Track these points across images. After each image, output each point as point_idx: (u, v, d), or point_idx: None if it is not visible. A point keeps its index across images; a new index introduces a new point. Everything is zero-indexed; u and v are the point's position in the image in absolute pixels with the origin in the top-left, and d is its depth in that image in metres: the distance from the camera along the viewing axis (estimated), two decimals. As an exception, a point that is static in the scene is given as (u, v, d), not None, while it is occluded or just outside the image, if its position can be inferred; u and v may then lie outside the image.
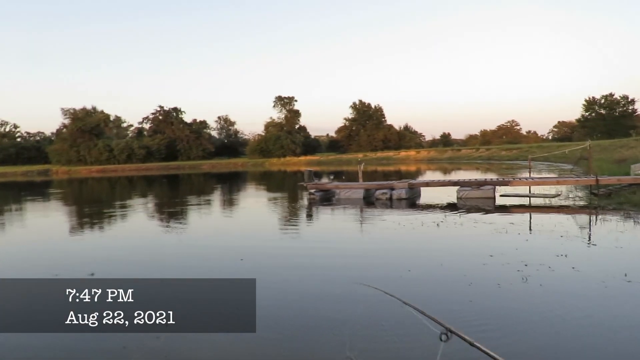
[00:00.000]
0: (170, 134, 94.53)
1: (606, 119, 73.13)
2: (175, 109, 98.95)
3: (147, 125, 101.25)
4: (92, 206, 19.74)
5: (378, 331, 4.26)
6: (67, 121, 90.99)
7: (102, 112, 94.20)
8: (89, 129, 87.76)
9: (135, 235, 11.00)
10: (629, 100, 73.55)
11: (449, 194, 15.65)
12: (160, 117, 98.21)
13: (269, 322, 4.62)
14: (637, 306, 4.67)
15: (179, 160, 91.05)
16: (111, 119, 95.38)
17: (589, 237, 8.31)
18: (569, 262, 6.38)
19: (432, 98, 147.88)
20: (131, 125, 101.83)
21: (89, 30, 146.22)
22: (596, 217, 10.50)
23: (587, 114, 76.59)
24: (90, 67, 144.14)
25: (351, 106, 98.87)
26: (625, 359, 3.61)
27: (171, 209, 16.90)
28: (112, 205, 19.35)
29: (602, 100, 74.90)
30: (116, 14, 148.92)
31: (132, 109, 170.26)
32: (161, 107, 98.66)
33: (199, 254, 8.28)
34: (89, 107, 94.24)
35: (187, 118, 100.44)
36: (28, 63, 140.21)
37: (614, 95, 74.50)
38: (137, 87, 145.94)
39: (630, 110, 73.86)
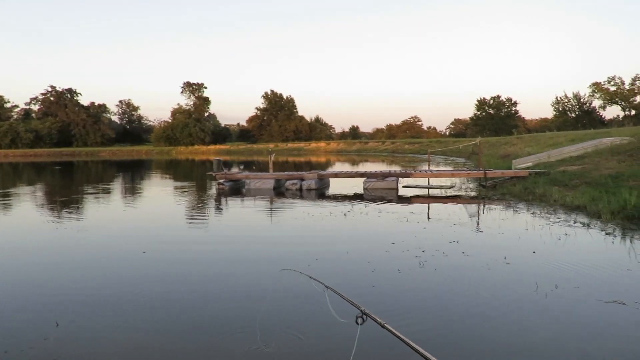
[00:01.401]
0: (64, 117, 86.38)
1: (494, 118, 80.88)
2: (70, 90, 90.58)
3: (36, 107, 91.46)
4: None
5: (292, 318, 4.35)
6: None
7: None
8: (-38, 108, 76.96)
9: (20, 228, 9.94)
10: (512, 102, 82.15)
11: (356, 185, 16.30)
12: (52, 99, 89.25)
13: (169, 312, 4.50)
14: (513, 283, 5.29)
15: (74, 147, 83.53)
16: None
17: (477, 225, 9.19)
18: (460, 247, 7.02)
19: (342, 91, 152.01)
20: (16, 106, 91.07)
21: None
22: (484, 206, 11.64)
23: (478, 112, 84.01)
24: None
25: (263, 96, 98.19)
26: (502, 327, 4.09)
27: (63, 198, 15.49)
28: (-8, 195, 17.22)
29: (491, 101, 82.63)
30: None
31: (18, 89, 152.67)
32: (53, 87, 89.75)
33: (92, 248, 7.73)
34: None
35: (84, 101, 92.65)
36: None
37: (500, 97, 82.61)
38: (24, 65, 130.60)
39: (513, 111, 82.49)
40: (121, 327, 4.28)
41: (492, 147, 37.65)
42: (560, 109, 70.70)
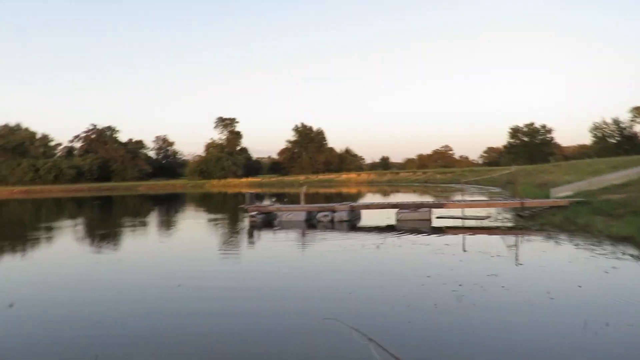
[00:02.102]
0: (104, 153, 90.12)
1: (528, 145, 79.16)
2: (110, 128, 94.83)
3: (78, 145, 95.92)
4: (14, 230, 18.19)
5: None
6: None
7: (26, 129, 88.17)
8: (11, 147, 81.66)
9: (60, 261, 10.25)
10: (547, 129, 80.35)
11: (388, 216, 16.10)
12: (93, 136, 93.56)
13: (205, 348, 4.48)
14: (558, 320, 5.01)
15: (112, 182, 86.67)
16: (37, 137, 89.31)
17: (516, 257, 8.85)
18: (499, 281, 6.75)
19: (371, 121, 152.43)
20: (60, 144, 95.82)
21: (11, 42, 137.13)
22: (522, 238, 11.22)
23: (512, 140, 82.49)
24: (14, 81, 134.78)
25: (293, 129, 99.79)
26: (549, 373, 3.86)
27: (102, 231, 15.97)
28: (36, 228, 17.95)
29: (525, 129, 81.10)
30: (42, 24, 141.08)
31: (61, 128, 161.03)
32: (94, 125, 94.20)
33: (129, 281, 7.86)
34: (12, 124, 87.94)
35: (123, 137, 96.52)
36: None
37: (534, 124, 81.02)
38: (67, 104, 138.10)
39: (548, 138, 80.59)
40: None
41: (528, 175, 36.64)
42: (600, 134, 68.52)
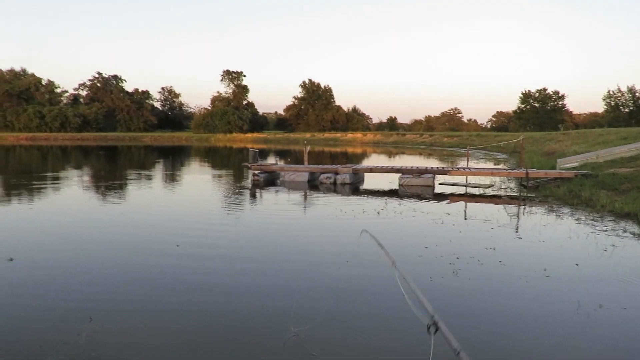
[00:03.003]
0: (109, 103, 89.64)
1: (539, 111, 77.80)
2: (116, 77, 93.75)
3: (83, 93, 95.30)
4: (20, 177, 18.34)
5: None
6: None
7: (32, 75, 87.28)
8: (17, 92, 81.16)
9: (66, 213, 10.34)
10: (560, 95, 78.61)
11: (391, 181, 16.04)
12: (99, 85, 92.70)
13: (212, 299, 4.53)
14: (552, 299, 5.02)
15: (118, 132, 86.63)
16: (43, 83, 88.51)
17: (516, 230, 8.82)
18: (497, 255, 6.74)
19: (380, 81, 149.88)
20: (66, 92, 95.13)
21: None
22: (524, 209, 11.17)
23: (522, 106, 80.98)
24: (21, 24, 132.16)
25: (301, 85, 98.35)
26: (538, 348, 3.88)
27: (108, 184, 16.06)
28: (43, 177, 18.07)
29: (537, 94, 79.41)
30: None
31: (67, 75, 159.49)
32: (100, 73, 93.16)
33: (129, 239, 7.93)
34: (17, 68, 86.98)
35: (128, 87, 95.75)
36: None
37: (547, 90, 79.22)
38: (74, 51, 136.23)
39: (560, 105, 79.01)
40: (153, 322, 4.36)
41: (536, 143, 36.22)
42: (613, 103, 67.08)
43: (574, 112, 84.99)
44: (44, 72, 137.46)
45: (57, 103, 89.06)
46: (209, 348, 3.93)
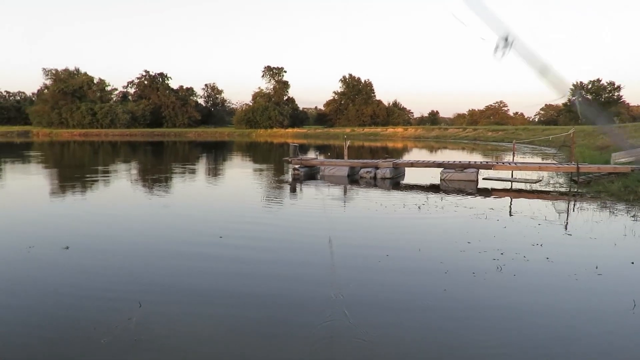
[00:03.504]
0: (156, 100, 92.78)
1: (592, 104, 73.86)
2: (162, 75, 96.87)
3: (131, 90, 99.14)
4: (74, 171, 19.40)
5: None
6: (48, 82, 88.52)
7: (85, 74, 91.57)
8: (71, 91, 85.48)
9: (116, 205, 10.83)
10: (615, 86, 74.31)
11: (433, 175, 15.74)
12: (146, 82, 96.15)
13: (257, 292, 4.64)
14: (604, 301, 4.78)
15: (164, 127, 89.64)
16: (95, 81, 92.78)
17: (565, 226, 8.45)
18: (544, 252, 6.49)
19: (422, 74, 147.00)
20: (115, 89, 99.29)
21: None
22: (574, 205, 10.68)
23: (573, 98, 77.19)
24: (74, 25, 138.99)
25: (341, 80, 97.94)
26: (589, 349, 3.71)
27: (155, 177, 16.69)
28: (95, 170, 19.03)
29: (589, 86, 75.48)
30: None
31: (116, 73, 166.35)
32: (147, 71, 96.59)
33: (175, 230, 8.21)
34: (71, 68, 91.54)
35: (174, 84, 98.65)
36: (7, 17, 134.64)
37: (601, 80, 75.12)
38: (122, 50, 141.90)
39: (616, 97, 74.72)
40: (198, 308, 4.51)
41: (588, 136, 34.45)
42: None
43: (631, 104, 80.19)
44: (95, 71, 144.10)
45: (107, 101, 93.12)
46: (250, 334, 4.02)
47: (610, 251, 6.65)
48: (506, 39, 1.63)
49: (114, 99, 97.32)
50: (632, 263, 5.98)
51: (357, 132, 75.59)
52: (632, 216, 9.00)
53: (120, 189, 13.97)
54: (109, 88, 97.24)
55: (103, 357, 3.63)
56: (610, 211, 9.65)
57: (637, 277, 5.50)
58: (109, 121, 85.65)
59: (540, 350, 3.75)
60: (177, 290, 5.08)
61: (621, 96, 74.98)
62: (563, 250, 6.71)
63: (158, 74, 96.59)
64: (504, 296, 4.93)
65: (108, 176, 17.20)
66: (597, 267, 5.74)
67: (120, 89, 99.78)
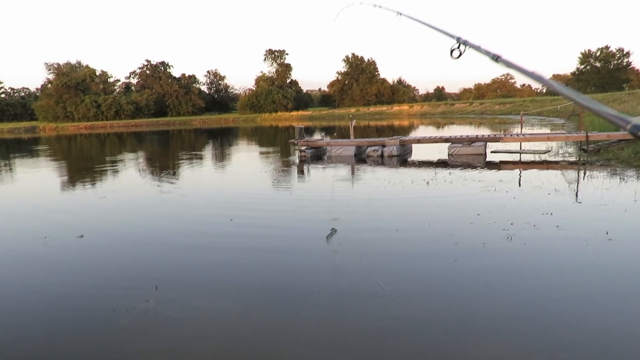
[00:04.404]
0: (159, 89, 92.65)
1: (601, 72, 72.62)
2: (163, 63, 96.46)
3: (134, 80, 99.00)
4: (83, 162, 19.58)
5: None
6: (51, 76, 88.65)
7: (87, 66, 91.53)
8: (74, 84, 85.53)
9: (127, 193, 10.95)
10: (625, 53, 72.80)
11: (440, 151, 15.67)
12: (148, 72, 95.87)
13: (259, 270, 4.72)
14: (615, 263, 4.80)
15: (168, 116, 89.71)
16: (97, 73, 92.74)
17: (576, 195, 8.42)
18: (554, 220, 6.49)
19: (425, 49, 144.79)
20: (118, 80, 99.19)
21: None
22: (584, 174, 10.60)
23: (582, 67, 75.85)
24: (73, 18, 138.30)
25: (344, 60, 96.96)
26: (600, 314, 3.74)
27: (162, 165, 16.81)
28: (103, 161, 19.19)
29: (598, 53, 74.00)
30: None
31: (118, 63, 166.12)
32: (148, 61, 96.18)
33: (187, 214, 8.31)
34: (73, 61, 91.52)
35: (176, 72, 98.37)
36: (7, 14, 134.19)
37: (609, 47, 73.58)
38: (122, 40, 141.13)
39: (625, 63, 73.27)
40: (212, 290, 4.60)
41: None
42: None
43: (641, 70, 78.54)
44: (97, 63, 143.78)
45: (110, 92, 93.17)
46: (262, 313, 4.11)
47: (621, 216, 6.63)
48: (458, 40, 1.75)
49: (117, 90, 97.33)
50: (644, 227, 5.96)
51: (363, 112, 75.12)
52: (643, 181, 8.93)
53: (129, 178, 14.09)
54: (111, 79, 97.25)
55: (124, 336, 3.73)
56: (620, 178, 9.57)
57: (649, 241, 5.49)
58: (114, 113, 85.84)
59: (551, 317, 3.78)
60: (190, 272, 5.17)
61: (630, 62, 73.52)
62: (573, 218, 6.70)
63: (160, 62, 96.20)
64: (515, 264, 4.96)
65: (116, 166, 17.34)
66: (607, 233, 5.74)
67: (123, 79, 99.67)
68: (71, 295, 4.66)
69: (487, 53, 1.60)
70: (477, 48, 1.69)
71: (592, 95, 41.09)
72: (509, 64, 1.51)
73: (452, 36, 1.84)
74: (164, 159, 20.80)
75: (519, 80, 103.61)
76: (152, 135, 45.71)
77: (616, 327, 3.54)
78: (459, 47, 1.82)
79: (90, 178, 14.19)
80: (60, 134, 56.66)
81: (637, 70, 76.56)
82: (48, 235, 6.99)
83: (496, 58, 1.56)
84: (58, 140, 42.57)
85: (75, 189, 12.36)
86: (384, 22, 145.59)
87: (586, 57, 74.92)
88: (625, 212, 6.80)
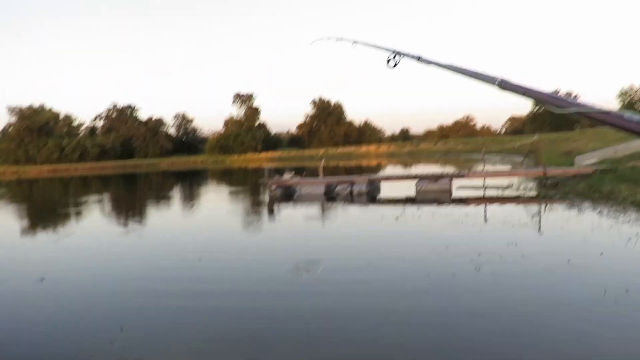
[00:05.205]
0: (126, 132, 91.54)
1: (553, 113, 76.65)
2: (130, 107, 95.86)
3: (100, 123, 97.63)
4: (44, 206, 18.85)
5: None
6: (13, 120, 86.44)
7: (50, 110, 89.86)
8: (37, 127, 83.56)
9: (90, 236, 10.59)
10: (574, 96, 77.57)
11: (408, 188, 16.02)
12: (114, 115, 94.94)
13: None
14: (578, 288, 4.98)
15: (135, 159, 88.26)
16: (61, 117, 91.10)
17: (538, 226, 8.75)
18: (519, 250, 6.71)
19: (391, 93, 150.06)
20: (82, 124, 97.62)
21: (35, 24, 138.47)
22: (545, 207, 11.06)
23: (536, 108, 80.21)
24: (37, 61, 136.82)
25: (312, 103, 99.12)
26: (566, 336, 3.85)
27: (128, 208, 16.40)
28: (66, 205, 18.54)
29: None
30: (57, 6, 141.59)
31: (83, 107, 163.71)
32: (115, 104, 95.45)
33: (153, 255, 8.10)
34: (36, 105, 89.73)
35: (143, 115, 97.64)
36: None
37: (559, 91, 78.34)
38: (88, 84, 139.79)
39: (575, 105, 77.91)
40: (181, 332, 4.46)
41: (553, 144, 35.76)
42: (627, 100, 66.01)
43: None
44: (61, 106, 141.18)
45: (75, 135, 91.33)
46: (229, 350, 4.01)
47: (581, 245, 6.93)
48: (394, 51, 2.01)
49: (82, 133, 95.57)
50: (602, 254, 6.24)
51: (331, 153, 76.19)
52: (598, 212, 9.39)
53: (93, 221, 13.67)
54: (76, 123, 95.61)
55: (88, 380, 3.55)
56: (578, 209, 10.04)
57: (606, 266, 5.74)
58: (79, 156, 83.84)
59: (521, 340, 3.87)
60: (156, 312, 5.01)
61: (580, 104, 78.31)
62: (537, 248, 6.95)
63: (126, 106, 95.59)
64: (484, 292, 5.07)
65: (80, 209, 16.81)
66: (569, 261, 5.97)
67: (88, 122, 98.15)
68: (29, 339, 4.42)
69: (412, 57, 1.83)
70: (407, 54, 1.92)
71: (546, 135, 43.30)
72: (429, 62, 1.73)
73: (388, 50, 2.06)
74: (130, 201, 20.32)
75: (479, 121, 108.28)
76: (119, 177, 44.71)
77: (585, 349, 3.65)
78: (394, 58, 2.02)
79: (52, 221, 13.67)
80: (21, 178, 54.62)
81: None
82: (6, 278, 6.66)
83: (418, 58, 1.79)
84: (18, 184, 40.98)
85: (36, 232, 11.87)
86: (349, 63, 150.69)
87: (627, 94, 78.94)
88: (584, 242, 7.11)
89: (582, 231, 7.78)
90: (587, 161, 17.47)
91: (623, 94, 66.53)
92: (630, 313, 4.25)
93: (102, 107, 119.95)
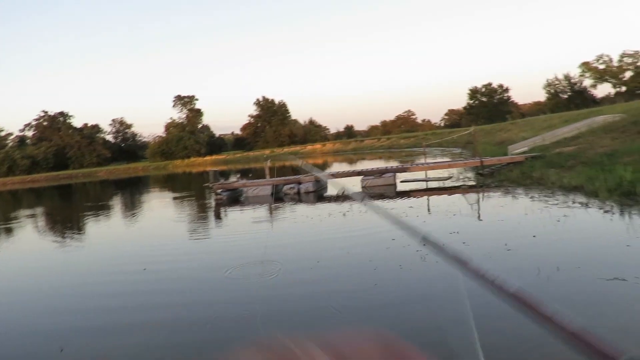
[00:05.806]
0: (59, 141, 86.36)
1: (487, 105, 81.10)
2: (62, 114, 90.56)
3: (30, 133, 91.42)
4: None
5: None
6: None
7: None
8: (-44, 140, 76.91)
9: (21, 252, 9.91)
10: (504, 88, 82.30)
11: (354, 184, 16.27)
12: (46, 124, 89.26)
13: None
14: (514, 270, 5.30)
15: (70, 169, 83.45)
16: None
17: (477, 214, 9.20)
18: (461, 238, 7.03)
19: (333, 91, 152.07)
20: (11, 134, 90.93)
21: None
22: (482, 195, 11.65)
23: (471, 101, 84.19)
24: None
25: (255, 103, 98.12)
26: (504, 315, 4.09)
27: (64, 221, 15.48)
28: (-8, 224, 17.19)
29: (483, 89, 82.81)
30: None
31: (11, 115, 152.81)
32: (45, 112, 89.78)
33: (93, 268, 7.72)
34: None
35: (77, 123, 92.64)
36: None
37: (491, 84, 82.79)
38: (15, 92, 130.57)
39: (505, 98, 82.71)
40: (126, 349, 4.28)
41: (488, 134, 37.65)
42: (552, 91, 70.91)
43: (519, 103, 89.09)
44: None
45: (2, 147, 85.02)
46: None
47: (516, 229, 7.37)
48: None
49: (10, 144, 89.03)
50: (534, 236, 6.67)
51: (277, 153, 75.92)
52: (530, 197, 10.03)
53: (25, 237, 12.79)
54: (3, 133, 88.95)
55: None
56: (512, 196, 10.66)
57: (539, 247, 6.15)
58: (7, 169, 78.19)
59: (463, 325, 4.05)
60: (98, 329, 4.79)
61: (510, 96, 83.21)
62: (477, 234, 7.32)
63: (58, 113, 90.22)
64: (430, 281, 5.26)
65: (9, 226, 15.67)
66: (506, 244, 6.34)
67: (17, 132, 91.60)
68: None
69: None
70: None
71: (482, 127, 45.63)
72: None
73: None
74: (66, 214, 19.20)
75: (419, 115, 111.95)
76: (53, 190, 42.07)
77: (521, 327, 3.89)
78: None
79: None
80: (-63, 197, 49.98)
81: (516, 103, 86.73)
82: None
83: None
84: None
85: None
86: (294, 64, 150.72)
87: (474, 92, 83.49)
88: (519, 225, 7.57)
89: (516, 216, 8.27)
90: (518, 150, 18.57)
91: (548, 85, 71.22)
92: (562, 289, 4.58)
93: (32, 115, 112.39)
